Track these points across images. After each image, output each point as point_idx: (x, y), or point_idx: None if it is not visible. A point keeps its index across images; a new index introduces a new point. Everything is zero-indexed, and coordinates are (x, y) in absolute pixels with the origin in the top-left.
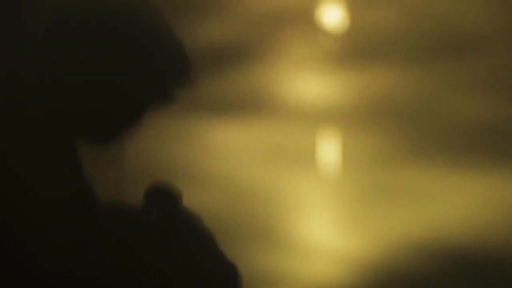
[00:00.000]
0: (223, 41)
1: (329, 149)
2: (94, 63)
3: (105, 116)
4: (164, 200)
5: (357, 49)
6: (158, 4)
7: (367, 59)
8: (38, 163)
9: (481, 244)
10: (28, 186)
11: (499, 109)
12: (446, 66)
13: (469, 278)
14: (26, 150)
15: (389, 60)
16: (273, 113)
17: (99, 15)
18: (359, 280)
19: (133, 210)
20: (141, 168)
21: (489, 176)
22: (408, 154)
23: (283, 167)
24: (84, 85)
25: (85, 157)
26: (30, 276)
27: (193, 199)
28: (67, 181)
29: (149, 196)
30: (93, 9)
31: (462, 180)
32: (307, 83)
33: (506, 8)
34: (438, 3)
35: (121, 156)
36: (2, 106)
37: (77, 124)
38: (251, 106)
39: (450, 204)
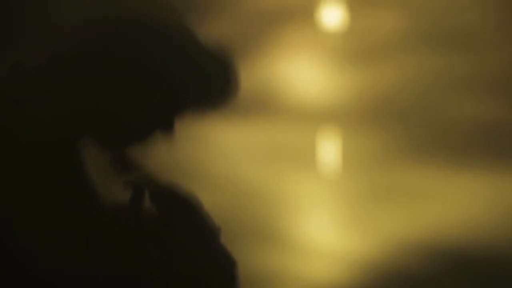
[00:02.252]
0: (223, 41)
1: (329, 149)
2: (112, 70)
3: (117, 121)
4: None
5: (357, 49)
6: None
7: (367, 59)
8: (40, 163)
9: (481, 244)
10: (29, 186)
11: (500, 109)
12: (447, 66)
13: (469, 278)
14: (29, 150)
15: (389, 60)
16: (273, 113)
17: (123, 24)
18: (359, 280)
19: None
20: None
21: (489, 176)
22: (408, 154)
23: (283, 166)
24: (103, 90)
25: (87, 157)
26: (30, 276)
27: None
28: (69, 180)
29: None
30: (118, 18)
31: (462, 180)
32: (307, 83)
33: (506, 7)
34: (438, 3)
35: (134, 161)
36: (7, 107)
37: (84, 126)
38: (251, 106)
39: (450, 204)
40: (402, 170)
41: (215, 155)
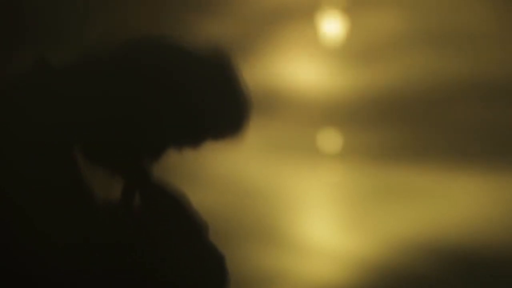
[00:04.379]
0: (223, 40)
1: (329, 149)
2: (130, 85)
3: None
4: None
5: (357, 48)
6: (159, 5)
7: (368, 58)
8: (41, 164)
9: (481, 244)
10: (30, 187)
11: (500, 109)
12: (447, 65)
13: (469, 278)
14: (30, 150)
15: (390, 60)
16: (274, 113)
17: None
18: (359, 279)
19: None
20: None
21: (490, 176)
22: (408, 154)
23: (283, 166)
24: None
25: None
26: (30, 276)
27: (193, 198)
28: (67, 180)
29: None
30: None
31: (462, 180)
32: (307, 82)
33: (506, 7)
34: (439, 3)
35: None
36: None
37: (86, 133)
38: (252, 105)
39: (450, 204)
40: (403, 170)
41: (215, 155)
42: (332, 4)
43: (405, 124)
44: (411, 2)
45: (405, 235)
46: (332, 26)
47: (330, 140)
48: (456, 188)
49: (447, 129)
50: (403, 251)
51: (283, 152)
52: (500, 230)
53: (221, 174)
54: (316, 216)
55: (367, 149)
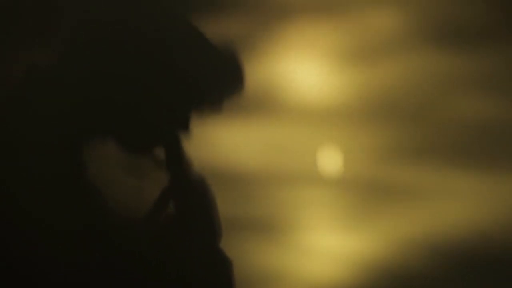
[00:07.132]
0: (223, 40)
1: (330, 148)
2: (125, 68)
3: (133, 121)
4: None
5: (358, 48)
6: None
7: (369, 58)
8: (49, 161)
9: (482, 244)
10: (32, 184)
11: (500, 109)
12: (447, 65)
13: (470, 278)
14: (39, 148)
15: (390, 59)
16: (274, 112)
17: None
18: (360, 279)
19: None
20: None
21: (490, 176)
22: (409, 153)
23: (284, 166)
24: (114, 87)
25: (91, 156)
26: (31, 275)
27: None
28: (72, 179)
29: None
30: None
31: (462, 179)
32: (308, 82)
33: (506, 7)
34: (439, 3)
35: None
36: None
37: (97, 125)
38: (252, 104)
39: (451, 204)
40: (403, 169)
41: (215, 154)
42: (333, 5)
43: (406, 123)
44: (411, 2)
45: (406, 234)
46: (333, 26)
47: (331, 139)
48: (457, 187)
49: (447, 129)
50: (403, 251)
51: (283, 151)
52: (501, 230)
53: (220, 174)
54: (317, 216)
55: (368, 148)
